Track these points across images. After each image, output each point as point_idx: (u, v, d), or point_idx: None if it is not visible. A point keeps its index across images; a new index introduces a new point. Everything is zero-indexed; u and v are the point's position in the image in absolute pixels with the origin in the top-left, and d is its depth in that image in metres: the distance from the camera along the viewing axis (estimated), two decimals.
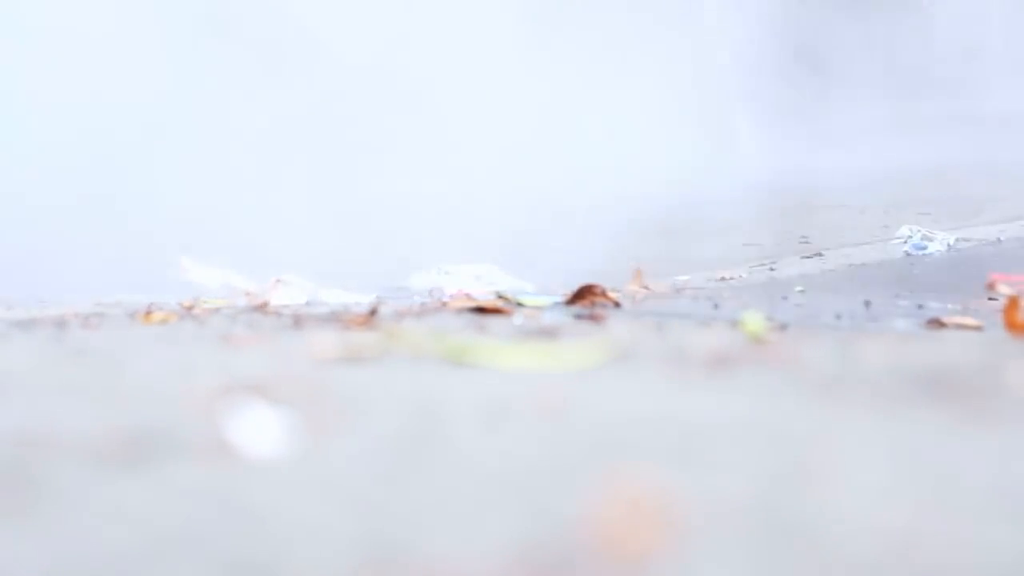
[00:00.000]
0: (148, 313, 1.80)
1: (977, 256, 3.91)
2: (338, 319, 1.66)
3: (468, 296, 2.22)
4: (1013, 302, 1.66)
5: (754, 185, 6.46)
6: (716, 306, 2.26)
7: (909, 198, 5.67)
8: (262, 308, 1.92)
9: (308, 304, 2.03)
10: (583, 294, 2.06)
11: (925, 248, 3.98)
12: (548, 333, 1.49)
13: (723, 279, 3.48)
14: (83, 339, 1.46)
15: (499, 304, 1.97)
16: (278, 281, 2.11)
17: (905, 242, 4.06)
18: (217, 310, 1.93)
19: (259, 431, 0.82)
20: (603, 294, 2.08)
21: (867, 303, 2.49)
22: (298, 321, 1.64)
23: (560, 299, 2.17)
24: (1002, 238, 4.26)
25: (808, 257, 3.95)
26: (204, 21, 5.44)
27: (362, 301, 2.15)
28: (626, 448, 0.81)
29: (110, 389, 1.06)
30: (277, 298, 2.04)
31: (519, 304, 2.07)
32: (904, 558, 0.56)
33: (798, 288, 3.08)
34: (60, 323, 1.72)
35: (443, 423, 0.90)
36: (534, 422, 0.89)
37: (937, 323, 1.98)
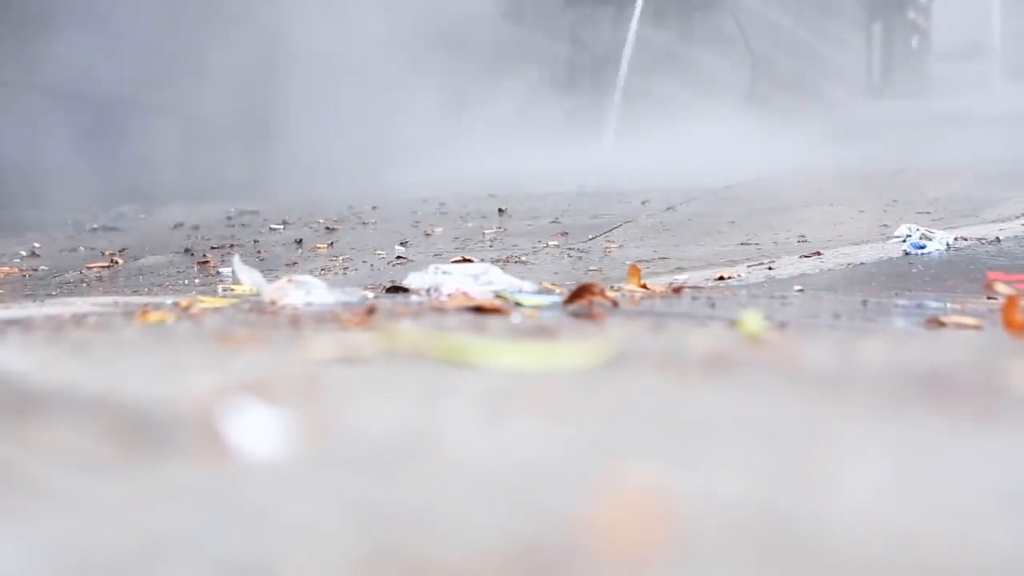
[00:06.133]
0: (144, 313, 1.79)
1: (976, 255, 3.91)
2: (336, 318, 1.66)
3: (466, 295, 2.22)
4: (1012, 302, 1.65)
5: None
6: (713, 305, 2.26)
7: None
8: (267, 308, 1.92)
9: (307, 304, 2.02)
10: (581, 293, 2.06)
11: (924, 247, 3.98)
12: (546, 332, 1.48)
13: (721, 278, 3.48)
14: (79, 338, 1.46)
15: (497, 304, 1.96)
16: (290, 281, 2.10)
17: (904, 241, 4.06)
18: (217, 310, 1.93)
19: (255, 430, 0.82)
20: (601, 293, 2.08)
21: (865, 302, 2.49)
22: (295, 321, 1.64)
23: (558, 298, 2.17)
24: (1002, 238, 4.26)
25: (807, 256, 3.95)
26: None
27: (361, 300, 2.15)
28: (624, 448, 0.80)
29: (104, 388, 1.06)
30: (291, 298, 2.04)
31: (517, 303, 2.07)
32: (903, 559, 0.56)
33: (797, 287, 3.08)
34: (56, 323, 1.72)
35: (441, 422, 0.89)
36: (532, 421, 0.89)
37: (936, 322, 1.98)
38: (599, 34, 11.19)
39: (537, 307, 2.02)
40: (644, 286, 2.67)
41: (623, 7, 11.22)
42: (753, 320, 1.47)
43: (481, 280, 2.36)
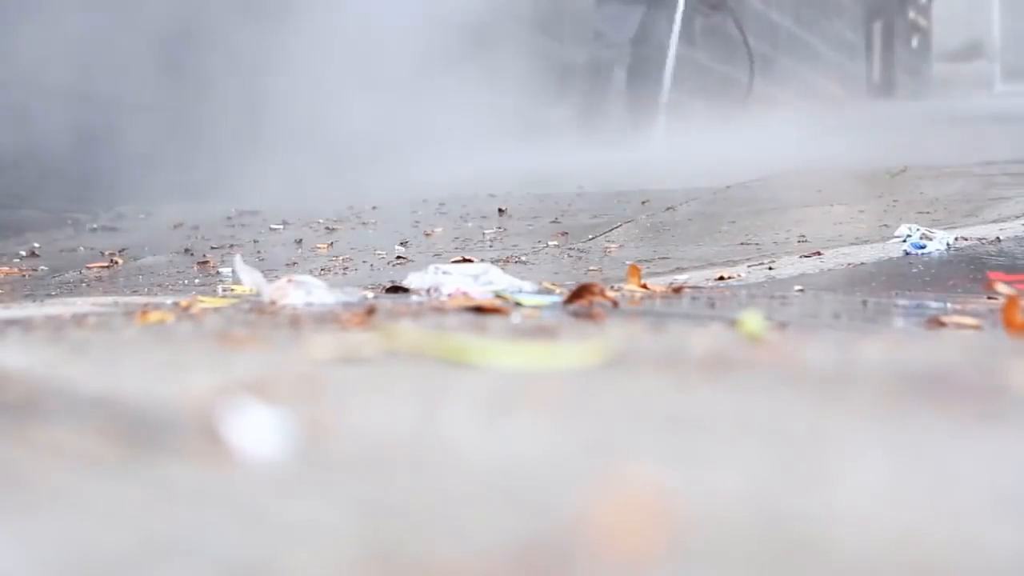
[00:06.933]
0: (144, 313, 1.79)
1: (976, 255, 3.91)
2: (336, 318, 1.66)
3: (466, 295, 2.22)
4: (1012, 302, 1.66)
5: None
6: (713, 305, 2.26)
7: None
8: (267, 308, 1.92)
9: (307, 304, 2.02)
10: (581, 293, 2.06)
11: (924, 247, 3.98)
12: (546, 332, 1.49)
13: (721, 278, 3.48)
14: (79, 338, 1.46)
15: (497, 303, 1.97)
16: (290, 281, 2.10)
17: (904, 241, 4.06)
18: (217, 310, 1.93)
19: (255, 430, 0.82)
20: (601, 293, 2.08)
21: (865, 302, 2.49)
22: (295, 321, 1.64)
23: (558, 298, 2.17)
24: (1002, 238, 4.26)
25: (807, 256, 3.95)
26: None
27: (361, 300, 2.15)
28: (624, 448, 0.80)
29: (104, 388, 1.06)
30: (291, 298, 2.04)
31: (517, 303, 2.07)
32: (903, 559, 0.56)
33: (797, 287, 3.08)
34: (56, 323, 1.72)
35: (441, 422, 0.89)
36: (532, 421, 0.89)
37: (936, 322, 1.98)
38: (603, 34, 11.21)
39: (537, 307, 2.02)
40: (644, 286, 2.67)
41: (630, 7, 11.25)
42: (753, 320, 1.47)
43: (481, 280, 2.36)
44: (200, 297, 2.29)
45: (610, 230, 5.31)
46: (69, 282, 4.35)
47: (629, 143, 10.02)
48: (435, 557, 0.57)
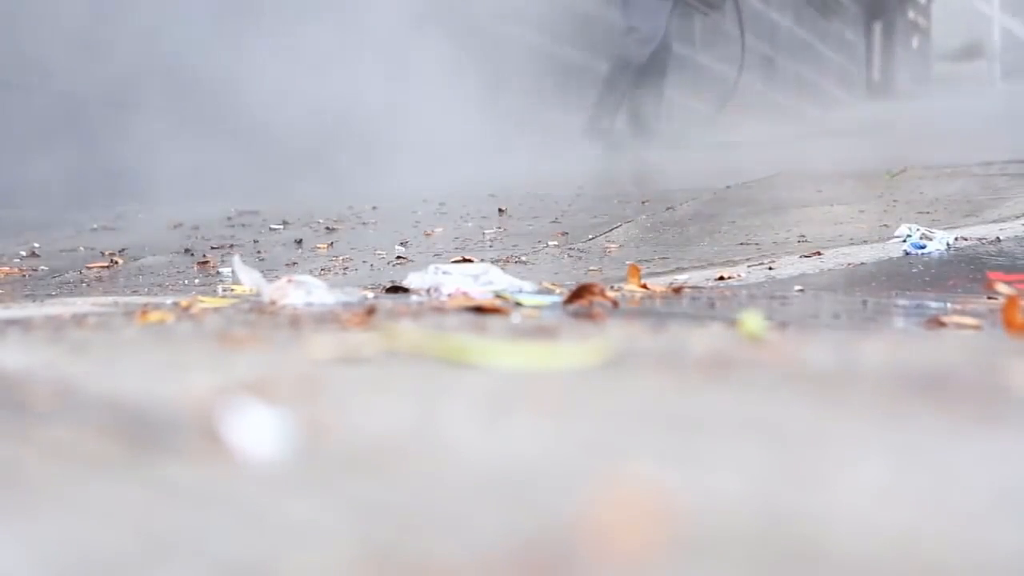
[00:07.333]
0: (144, 313, 1.79)
1: (976, 255, 3.91)
2: (336, 319, 1.66)
3: (466, 295, 2.22)
4: (1012, 302, 1.66)
5: None
6: (713, 305, 2.27)
7: None
8: (267, 308, 1.92)
9: (307, 304, 2.02)
10: (581, 293, 2.06)
11: (924, 247, 3.98)
12: (546, 332, 1.49)
13: (721, 278, 3.48)
14: (79, 338, 1.46)
15: (497, 304, 1.97)
16: (290, 281, 2.11)
17: (904, 241, 4.06)
18: (217, 310, 1.93)
19: (255, 430, 0.82)
20: (601, 293, 2.08)
21: (865, 302, 2.49)
22: (295, 321, 1.64)
23: (558, 298, 2.17)
24: (1002, 238, 4.25)
25: (807, 256, 3.95)
26: None
27: (361, 300, 2.15)
28: (624, 448, 0.80)
29: (104, 388, 1.06)
30: (291, 298, 2.03)
31: (517, 303, 2.07)
32: (903, 559, 0.56)
33: (797, 287, 3.08)
34: (56, 323, 1.72)
35: (441, 422, 0.89)
36: (532, 421, 0.89)
37: (936, 322, 1.98)
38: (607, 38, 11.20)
39: (537, 307, 2.02)
40: (644, 286, 2.67)
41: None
42: (753, 320, 1.47)
43: (481, 280, 2.35)
44: (200, 297, 2.29)
45: (610, 230, 5.30)
46: (69, 282, 4.34)
47: (630, 142, 10.01)
48: (435, 557, 0.57)
